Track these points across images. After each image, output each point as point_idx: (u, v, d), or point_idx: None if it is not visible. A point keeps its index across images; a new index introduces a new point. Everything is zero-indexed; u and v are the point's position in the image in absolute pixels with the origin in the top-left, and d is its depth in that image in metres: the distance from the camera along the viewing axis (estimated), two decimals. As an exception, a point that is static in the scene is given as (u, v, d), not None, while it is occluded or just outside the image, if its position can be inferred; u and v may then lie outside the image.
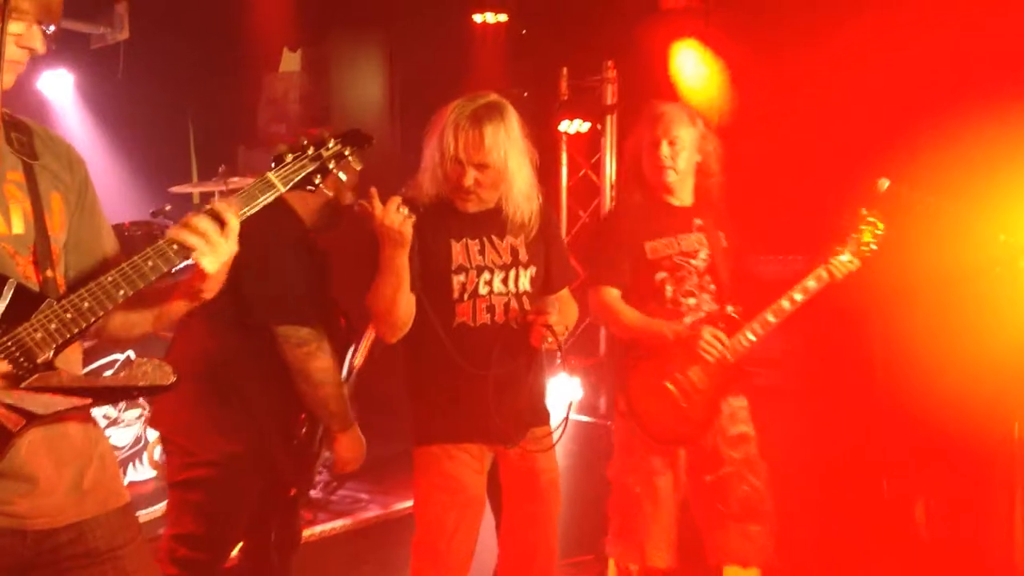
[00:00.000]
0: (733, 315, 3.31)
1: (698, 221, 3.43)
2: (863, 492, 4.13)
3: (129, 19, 5.59)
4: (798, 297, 3.28)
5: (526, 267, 2.89)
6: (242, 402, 2.85)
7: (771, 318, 3.28)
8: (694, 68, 5.30)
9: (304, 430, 3.02)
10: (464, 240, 2.83)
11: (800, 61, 4.53)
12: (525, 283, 2.89)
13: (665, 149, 3.36)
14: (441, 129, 2.74)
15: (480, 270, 2.83)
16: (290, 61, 6.49)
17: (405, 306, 2.72)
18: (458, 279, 2.82)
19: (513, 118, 2.77)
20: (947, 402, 3.70)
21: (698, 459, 3.38)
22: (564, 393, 5.34)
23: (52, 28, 1.77)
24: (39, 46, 1.75)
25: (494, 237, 2.86)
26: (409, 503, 4.56)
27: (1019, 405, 3.16)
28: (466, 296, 2.83)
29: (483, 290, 2.83)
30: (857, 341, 4.24)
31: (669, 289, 3.35)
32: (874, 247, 3.34)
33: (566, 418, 2.96)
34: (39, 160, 1.82)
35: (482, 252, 2.84)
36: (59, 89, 5.78)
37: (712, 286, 3.39)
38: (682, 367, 3.29)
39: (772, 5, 4.81)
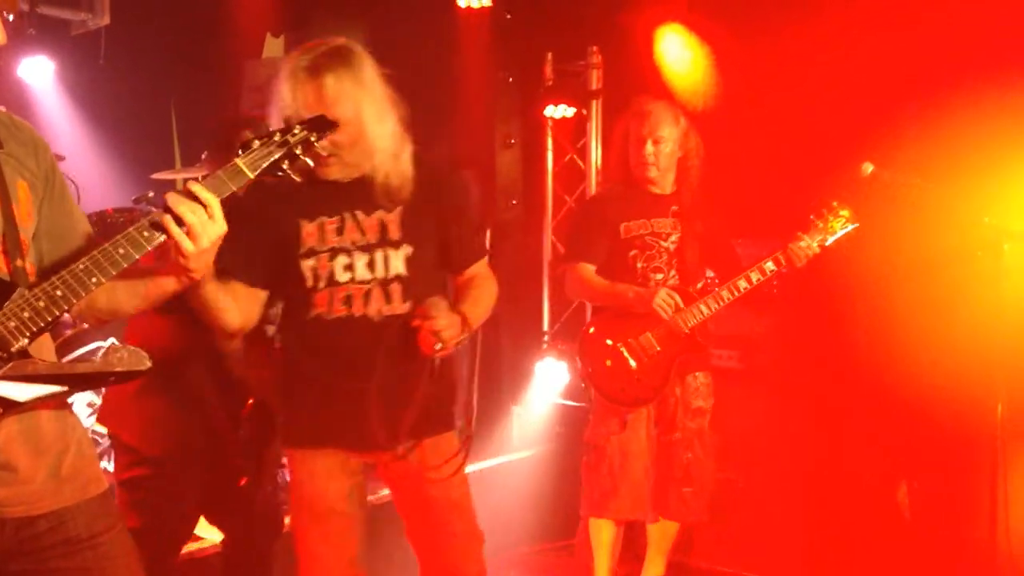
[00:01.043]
0: (690, 291, 3.61)
1: (675, 208, 3.71)
2: (846, 475, 4.15)
3: (110, 5, 5.55)
4: (755, 277, 3.57)
5: (398, 246, 2.48)
6: (186, 394, 2.81)
7: (726, 295, 3.58)
8: (678, 53, 5.29)
9: (250, 417, 2.96)
10: (319, 219, 2.44)
11: (783, 45, 4.52)
12: (398, 265, 2.48)
13: (649, 147, 3.64)
14: (279, 86, 2.36)
15: (335, 253, 2.44)
16: (273, 47, 6.44)
17: (230, 311, 2.35)
18: (307, 264, 2.45)
19: (364, 63, 2.41)
20: (930, 384, 3.73)
21: (662, 421, 3.70)
22: (552, 377, 5.38)
23: (11, 17, 1.75)
24: (0, 38, 1.74)
25: (359, 212, 2.46)
26: (385, 492, 4.59)
27: (1002, 387, 3.19)
28: (321, 284, 2.47)
29: (342, 276, 2.46)
30: (841, 324, 4.26)
31: (640, 265, 3.65)
32: (839, 237, 3.58)
33: (468, 439, 2.64)
34: (3, 148, 1.81)
35: (340, 231, 2.45)
36: (40, 76, 5.72)
37: (680, 266, 3.67)
38: (635, 332, 3.58)
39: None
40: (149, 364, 1.78)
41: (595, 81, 5.56)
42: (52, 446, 1.83)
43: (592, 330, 3.70)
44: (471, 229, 2.67)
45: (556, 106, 5.59)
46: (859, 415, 4.20)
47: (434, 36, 5.55)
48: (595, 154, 5.66)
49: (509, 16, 5.51)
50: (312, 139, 1.94)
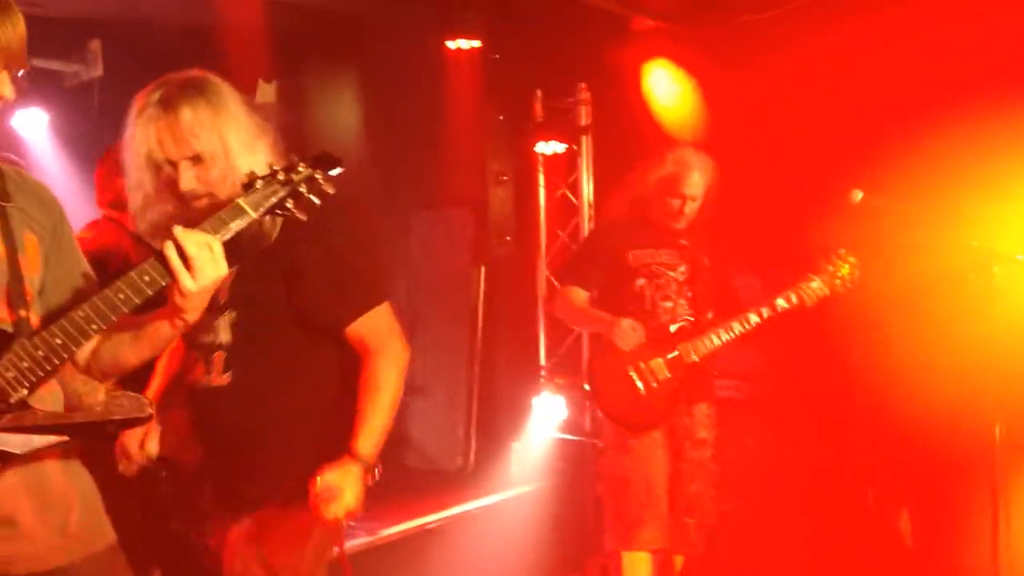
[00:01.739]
0: (701, 320, 3.60)
1: (683, 242, 3.71)
2: (847, 502, 4.14)
3: (103, 56, 5.60)
4: (766, 312, 3.57)
5: (222, 311, 2.19)
6: None
7: (737, 327, 3.57)
8: (666, 87, 5.36)
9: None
10: None
11: (769, 76, 4.58)
12: (224, 335, 2.19)
13: (688, 206, 3.64)
14: (129, 127, 2.13)
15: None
16: (266, 92, 6.49)
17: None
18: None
19: (223, 90, 2.15)
20: (927, 409, 3.73)
21: (672, 448, 3.67)
22: (550, 412, 5.37)
23: (21, 72, 1.77)
24: (8, 93, 1.75)
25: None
26: (397, 528, 4.57)
27: (999, 409, 3.19)
28: (188, 346, 2.28)
29: (201, 338, 2.22)
30: (836, 351, 4.27)
31: (648, 294, 3.64)
32: (848, 284, 3.61)
33: None
34: (12, 202, 1.82)
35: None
36: (33, 128, 5.76)
37: (689, 294, 3.66)
38: (646, 357, 3.56)
39: (740, 24, 4.87)
40: (151, 411, 1.77)
41: (585, 117, 5.63)
42: (58, 501, 1.81)
43: (602, 353, 3.69)
44: (343, 279, 2.21)
45: (547, 142, 5.64)
46: (857, 442, 4.19)
47: (424, 77, 5.61)
48: (587, 188, 5.71)
49: (497, 56, 5.58)
50: (317, 176, 1.87)
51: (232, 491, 2.23)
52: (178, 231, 1.75)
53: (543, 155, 5.72)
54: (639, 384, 3.57)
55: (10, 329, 1.74)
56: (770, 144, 4.55)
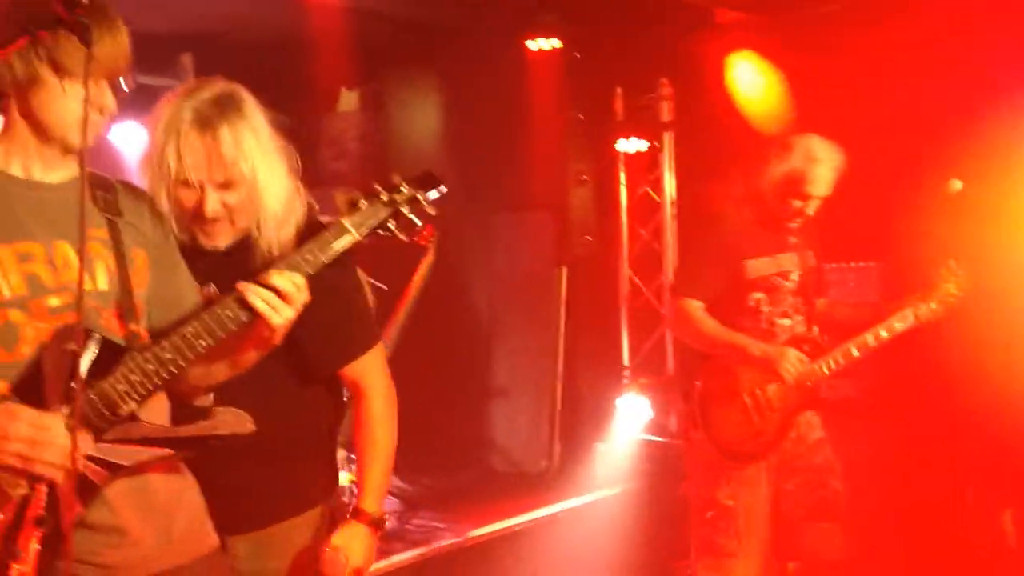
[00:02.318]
0: (818, 340, 3.34)
1: (792, 240, 3.40)
2: (948, 503, 3.99)
3: (195, 69, 5.78)
4: (883, 334, 3.29)
5: None
6: None
7: (854, 351, 3.29)
8: (751, 80, 5.25)
9: None
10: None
11: (858, 64, 4.45)
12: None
13: (810, 206, 3.29)
14: (156, 141, 1.99)
15: None
16: (348, 100, 6.61)
17: None
18: None
19: (256, 110, 2.04)
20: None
21: (781, 467, 3.39)
22: (634, 413, 5.31)
23: (124, 83, 1.82)
24: (110, 103, 1.79)
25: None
26: (483, 530, 4.59)
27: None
28: None
29: None
30: (935, 347, 4.11)
31: (765, 310, 3.35)
32: (959, 296, 3.35)
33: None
34: (123, 216, 1.86)
35: None
36: (130, 141, 5.97)
37: (803, 307, 3.40)
38: (761, 383, 3.29)
39: (827, 11, 4.75)
40: (252, 427, 1.79)
41: (666, 113, 5.57)
42: (163, 508, 1.85)
43: (713, 376, 3.38)
44: (338, 322, 2.13)
45: (628, 140, 5.60)
46: (958, 443, 4.04)
47: (504, 79, 5.63)
48: (669, 186, 5.64)
49: (578, 55, 5.55)
50: (419, 197, 1.87)
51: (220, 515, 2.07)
52: (270, 274, 1.76)
53: (624, 153, 5.69)
54: (753, 414, 3.30)
55: (121, 343, 1.78)
56: (861, 134, 4.40)
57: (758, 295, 3.34)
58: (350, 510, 2.21)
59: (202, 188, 1.99)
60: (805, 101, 4.84)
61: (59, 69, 1.68)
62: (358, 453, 2.23)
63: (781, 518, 3.40)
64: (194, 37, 5.72)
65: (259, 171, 2.01)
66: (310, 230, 2.00)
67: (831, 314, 3.53)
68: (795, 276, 3.38)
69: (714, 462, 3.37)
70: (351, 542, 2.15)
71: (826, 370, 3.29)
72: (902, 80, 4.30)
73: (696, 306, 3.32)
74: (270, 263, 1.94)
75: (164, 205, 1.99)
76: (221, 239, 2.06)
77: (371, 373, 2.23)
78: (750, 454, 3.34)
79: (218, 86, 2.03)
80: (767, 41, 5.13)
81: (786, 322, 3.36)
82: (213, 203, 2.00)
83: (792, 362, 3.24)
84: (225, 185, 2.00)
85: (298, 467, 2.20)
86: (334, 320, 2.08)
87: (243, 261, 2.05)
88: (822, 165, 3.25)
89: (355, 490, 2.38)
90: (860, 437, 4.16)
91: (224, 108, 1.99)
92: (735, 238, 3.35)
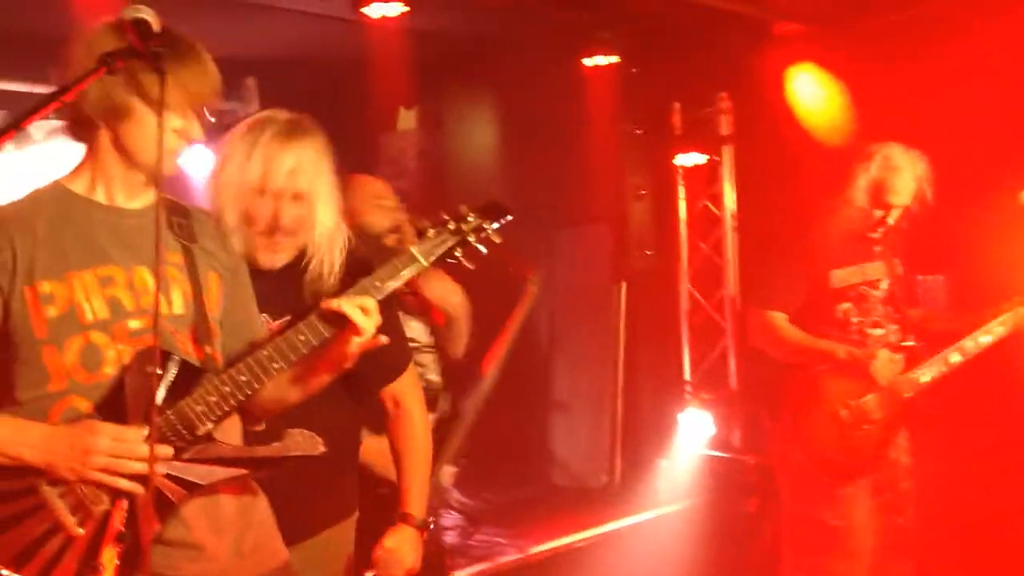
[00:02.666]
0: (915, 348, 3.23)
1: (878, 249, 3.34)
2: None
3: (259, 92, 5.91)
4: (983, 340, 3.17)
5: None
6: None
7: (954, 358, 3.17)
8: (811, 92, 5.20)
9: None
10: (263, 317, 2.09)
11: (921, 76, 4.38)
12: None
13: (890, 216, 3.25)
14: (233, 155, 2.12)
15: None
16: (406, 119, 6.69)
17: None
18: None
19: (323, 136, 2.17)
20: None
21: (880, 490, 3.29)
22: (697, 428, 5.27)
23: (208, 114, 1.88)
24: (196, 133, 1.86)
25: (266, 316, 2.11)
26: (546, 546, 4.58)
27: None
28: None
29: None
30: (1009, 361, 4.01)
31: (855, 320, 3.26)
32: None
33: None
34: (197, 242, 1.93)
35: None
36: (198, 165, 6.13)
37: (896, 316, 3.30)
38: (855, 394, 3.19)
39: (888, 22, 4.68)
40: (323, 448, 1.84)
41: (726, 126, 5.54)
42: (234, 525, 1.90)
43: (803, 389, 3.27)
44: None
45: (687, 154, 5.58)
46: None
47: (561, 95, 5.65)
48: (729, 199, 5.60)
49: (635, 70, 5.55)
50: (484, 226, 1.93)
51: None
52: (355, 292, 1.83)
53: (683, 167, 5.66)
54: (850, 426, 3.18)
55: (198, 365, 1.84)
56: (927, 145, 4.33)
57: (845, 305, 3.25)
58: (397, 515, 2.31)
59: (278, 198, 2.09)
60: (868, 112, 4.78)
61: (150, 100, 1.74)
62: (400, 461, 2.35)
63: (879, 541, 3.27)
64: (257, 61, 5.86)
65: (323, 190, 2.13)
66: (352, 256, 2.18)
67: (927, 325, 3.39)
68: (884, 285, 3.30)
69: (814, 480, 3.25)
70: (403, 545, 2.25)
71: (926, 378, 3.17)
72: (969, 90, 4.22)
73: (778, 317, 3.25)
74: (321, 285, 2.12)
75: (231, 219, 2.07)
76: (280, 257, 2.14)
77: (412, 387, 2.38)
78: (851, 471, 3.21)
79: (292, 115, 2.15)
80: (828, 53, 5.07)
81: (878, 332, 3.26)
82: (288, 211, 2.09)
83: (883, 363, 3.13)
84: (297, 197, 2.10)
85: (340, 477, 2.33)
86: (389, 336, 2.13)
87: (295, 282, 2.15)
88: (903, 174, 3.20)
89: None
90: (945, 450, 4.04)
91: (307, 129, 2.13)
92: (818, 248, 3.28)
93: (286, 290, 2.13)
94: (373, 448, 2.59)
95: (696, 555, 4.72)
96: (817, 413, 3.22)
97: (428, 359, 2.91)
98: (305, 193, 2.11)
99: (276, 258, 2.15)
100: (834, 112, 5.05)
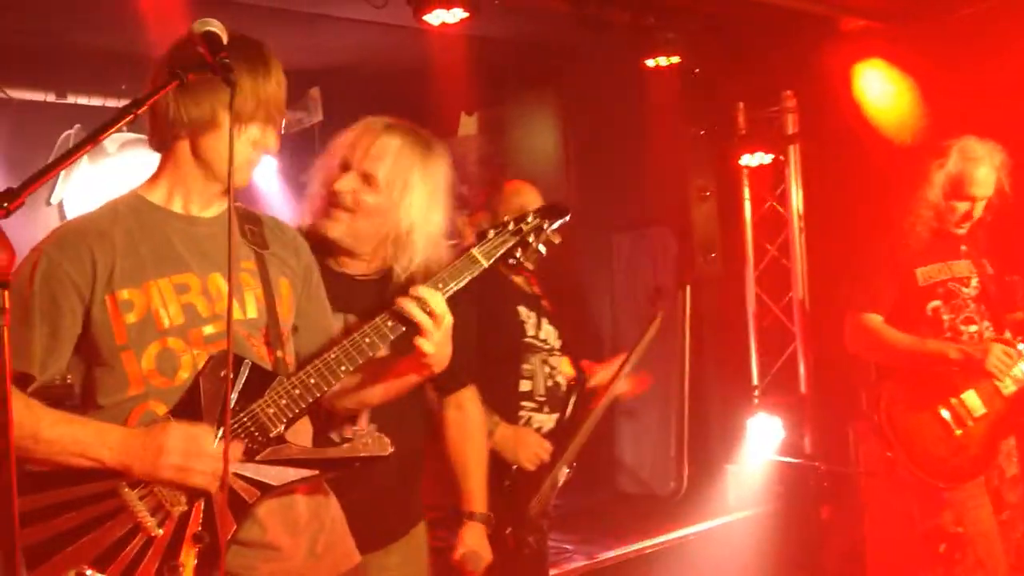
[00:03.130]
0: (1013, 343, 3.13)
1: (963, 248, 3.29)
2: None
3: (323, 102, 6.01)
4: None
5: None
6: None
7: None
8: (880, 89, 5.08)
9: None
10: (350, 318, 2.22)
11: (993, 72, 4.25)
12: None
13: (974, 209, 3.20)
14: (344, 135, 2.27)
15: None
16: (467, 125, 6.72)
17: None
18: None
19: (440, 161, 2.33)
20: None
21: (991, 493, 3.19)
22: (766, 433, 5.17)
23: (283, 124, 1.91)
24: (273, 146, 1.90)
25: (349, 317, 2.23)
26: (614, 552, 4.54)
27: None
28: None
29: None
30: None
31: (946, 317, 3.20)
32: None
33: None
34: (269, 249, 1.96)
35: None
36: (264, 173, 6.24)
37: (989, 313, 3.23)
38: (956, 391, 3.12)
39: (958, 17, 4.56)
40: (391, 449, 1.85)
41: (791, 125, 5.44)
42: (308, 526, 1.92)
43: (897, 395, 3.20)
44: (464, 343, 2.20)
45: (752, 154, 5.49)
46: None
47: (622, 97, 5.61)
48: (796, 199, 5.50)
49: (697, 70, 5.49)
50: (544, 227, 1.97)
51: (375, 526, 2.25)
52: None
53: (748, 167, 5.57)
54: (954, 427, 3.11)
55: (270, 369, 1.87)
56: (999, 142, 4.20)
57: (935, 303, 3.21)
58: (464, 514, 2.46)
59: (346, 168, 2.20)
60: (937, 109, 4.66)
61: (233, 112, 1.75)
62: (463, 462, 2.48)
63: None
64: (321, 72, 5.95)
65: (405, 190, 2.20)
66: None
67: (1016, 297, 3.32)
68: (974, 282, 3.24)
69: (925, 486, 3.16)
70: (480, 541, 2.42)
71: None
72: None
73: (877, 320, 3.20)
74: (395, 287, 2.19)
75: (315, 186, 2.23)
76: (338, 227, 2.22)
77: (473, 392, 2.52)
78: (960, 472, 3.11)
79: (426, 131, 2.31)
80: (896, 48, 4.96)
81: (972, 328, 3.20)
82: (345, 182, 2.19)
83: (999, 356, 3.05)
84: (367, 178, 2.19)
85: (417, 476, 2.45)
86: (459, 345, 2.13)
87: (377, 287, 2.26)
88: (982, 164, 3.15)
89: None
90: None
91: (418, 134, 2.28)
92: (903, 247, 3.25)
93: (368, 294, 2.22)
94: (508, 436, 2.80)
95: (766, 563, 4.64)
96: (912, 413, 3.14)
97: (558, 362, 3.00)
98: (376, 179, 2.18)
99: (333, 227, 2.22)
100: (903, 109, 4.94)
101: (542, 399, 3.00)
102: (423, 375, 1.96)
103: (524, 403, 2.94)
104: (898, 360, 3.20)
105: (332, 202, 2.22)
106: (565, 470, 2.97)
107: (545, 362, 2.99)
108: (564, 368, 3.06)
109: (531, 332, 2.99)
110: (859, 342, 3.28)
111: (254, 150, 1.87)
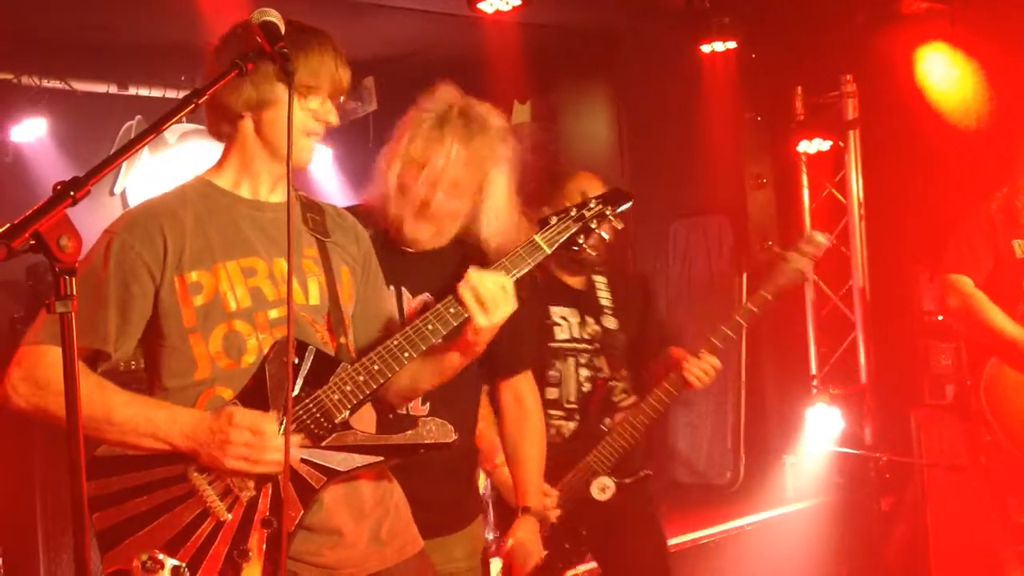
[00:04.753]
0: None
1: None
2: None
3: (376, 91, 6.04)
4: None
5: None
6: None
7: None
8: (943, 72, 4.96)
9: None
10: (403, 292, 2.31)
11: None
12: None
13: None
14: (421, 128, 2.27)
15: None
16: (520, 113, 6.70)
17: None
18: None
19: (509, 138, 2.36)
20: None
21: None
22: (825, 424, 5.09)
23: (342, 100, 1.92)
24: (334, 119, 1.91)
25: (405, 291, 2.34)
26: (671, 542, 4.48)
27: None
28: None
29: None
30: None
31: None
32: None
33: None
34: (330, 237, 1.98)
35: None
36: (319, 161, 6.30)
37: None
38: None
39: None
40: (455, 437, 1.86)
41: (851, 111, 5.33)
42: (372, 512, 1.94)
43: (998, 374, 3.09)
44: (523, 330, 2.26)
45: (810, 140, 5.39)
46: None
47: (678, 83, 5.55)
48: (856, 186, 5.39)
49: (754, 55, 5.40)
50: (607, 212, 1.96)
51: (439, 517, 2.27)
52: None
53: (806, 154, 5.48)
54: None
55: (334, 355, 1.89)
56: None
57: None
58: (519, 508, 2.42)
59: (434, 185, 2.19)
60: (1003, 93, 4.53)
61: (295, 88, 1.77)
62: (519, 453, 2.43)
63: None
64: (375, 62, 5.98)
65: (490, 193, 2.24)
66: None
67: None
68: None
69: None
70: (531, 536, 2.39)
71: None
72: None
73: (967, 282, 3.10)
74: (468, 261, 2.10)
75: (390, 184, 2.22)
76: (423, 236, 2.24)
77: (533, 384, 2.47)
78: None
79: (476, 103, 2.28)
80: (960, 31, 4.83)
81: None
82: (439, 199, 2.19)
83: None
84: (455, 186, 2.19)
85: (474, 467, 2.48)
86: (517, 331, 2.13)
87: (438, 262, 2.25)
88: None
89: None
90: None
91: (484, 124, 2.25)
92: (1001, 214, 3.14)
93: (427, 270, 2.24)
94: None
95: (825, 555, 4.58)
96: (1020, 397, 3.03)
97: (603, 363, 2.93)
98: (459, 186, 2.20)
99: (419, 236, 2.24)
100: (966, 94, 4.82)
101: (572, 407, 2.85)
102: (468, 358, 1.94)
103: (551, 411, 2.76)
104: (996, 341, 3.08)
105: (418, 212, 2.22)
106: (605, 480, 2.78)
107: (586, 365, 2.85)
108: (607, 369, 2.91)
109: (564, 335, 2.84)
110: (954, 306, 3.15)
111: (315, 120, 1.88)
